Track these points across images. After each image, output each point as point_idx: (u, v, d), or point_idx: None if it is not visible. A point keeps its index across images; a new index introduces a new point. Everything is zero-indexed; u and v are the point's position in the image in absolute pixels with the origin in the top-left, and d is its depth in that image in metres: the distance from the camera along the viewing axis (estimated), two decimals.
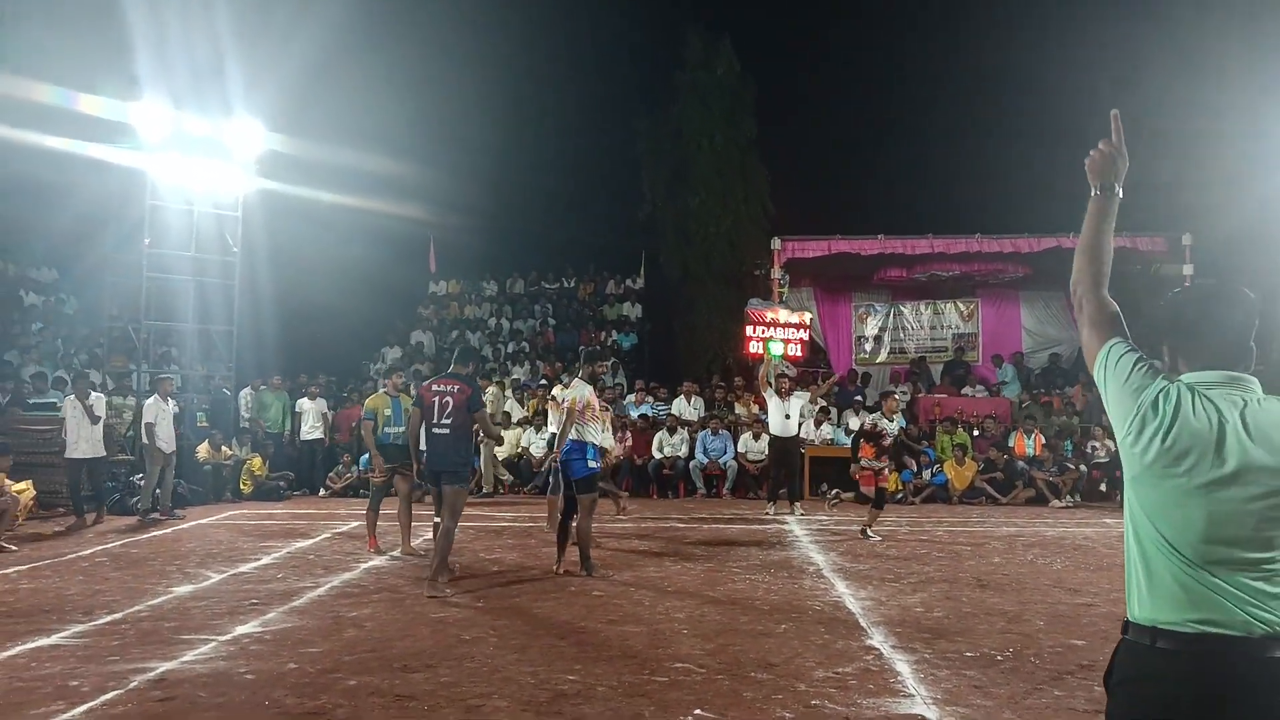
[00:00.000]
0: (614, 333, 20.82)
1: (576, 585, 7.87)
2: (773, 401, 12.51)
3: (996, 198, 20.86)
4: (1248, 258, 16.34)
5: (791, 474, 12.66)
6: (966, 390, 17.32)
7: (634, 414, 15.50)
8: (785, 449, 12.49)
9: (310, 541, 10.11)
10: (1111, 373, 2.30)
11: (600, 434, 8.88)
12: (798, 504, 12.53)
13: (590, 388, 8.47)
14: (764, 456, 14.27)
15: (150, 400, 11.94)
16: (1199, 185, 16.90)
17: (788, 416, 12.38)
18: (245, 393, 15.50)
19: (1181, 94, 17.15)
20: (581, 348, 8.88)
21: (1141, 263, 17.03)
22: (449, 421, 7.71)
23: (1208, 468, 2.11)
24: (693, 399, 16.00)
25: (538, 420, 14.67)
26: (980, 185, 22.00)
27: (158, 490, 11.84)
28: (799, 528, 11.28)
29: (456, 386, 7.78)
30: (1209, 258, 16.38)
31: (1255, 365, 2.24)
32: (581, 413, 8.22)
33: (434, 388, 7.90)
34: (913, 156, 22.72)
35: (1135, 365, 2.27)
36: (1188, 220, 16.47)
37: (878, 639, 6.18)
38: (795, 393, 12.73)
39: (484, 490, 14.15)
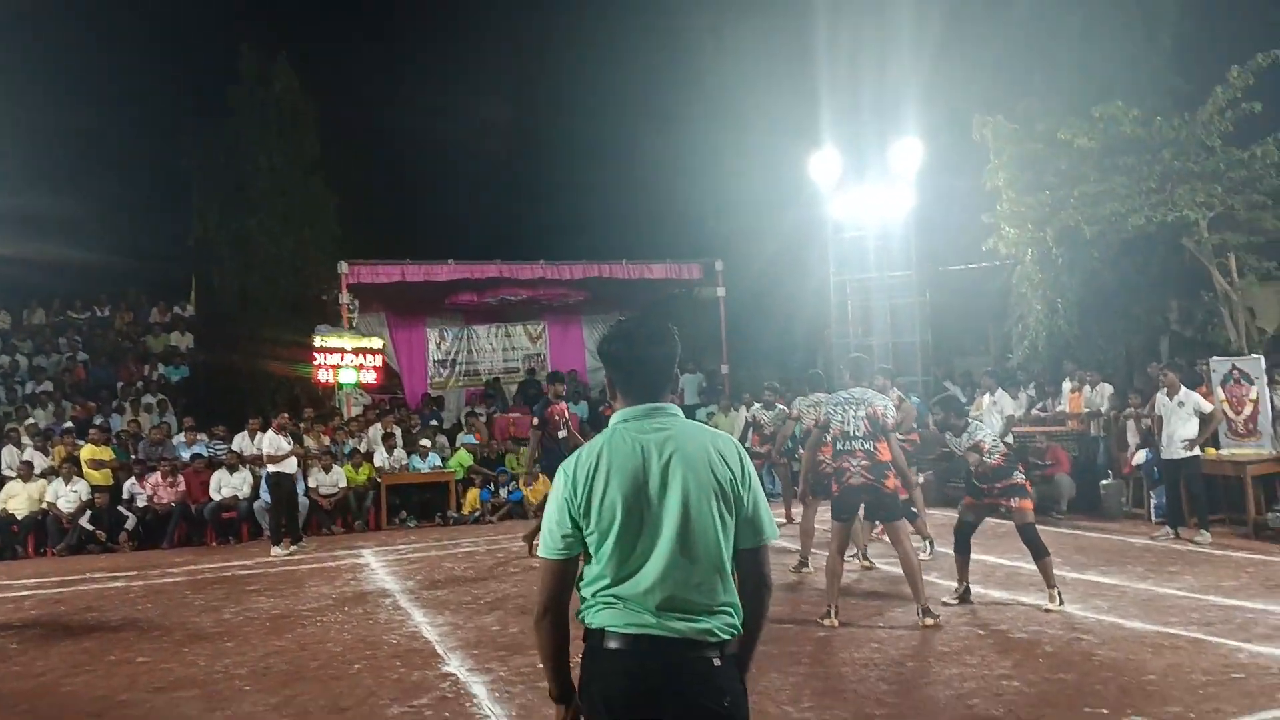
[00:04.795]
0: (160, 366, 18.76)
1: (117, 654, 6.90)
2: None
3: (558, 225, 22.05)
4: (774, 279, 18.89)
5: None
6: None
7: (185, 455, 14.06)
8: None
9: None
10: (559, 509, 2.39)
11: None
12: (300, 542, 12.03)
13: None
14: (337, 490, 13.69)
15: None
16: (730, 216, 19.22)
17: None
18: None
19: (714, 134, 19.42)
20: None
21: (683, 288, 18.92)
22: None
23: (634, 496, 2.33)
24: (258, 436, 14.82)
25: (65, 470, 12.78)
26: (543, 212, 23.13)
27: None
28: (375, 559, 10.92)
29: None
30: (740, 280, 18.60)
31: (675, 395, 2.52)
32: None
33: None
34: (479, 181, 23.26)
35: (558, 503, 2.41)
36: (720, 248, 18.54)
37: (455, 664, 6.13)
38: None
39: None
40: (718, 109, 19.48)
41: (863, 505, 6.93)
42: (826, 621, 6.70)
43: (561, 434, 10.08)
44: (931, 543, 9.21)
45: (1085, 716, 4.65)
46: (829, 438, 7.02)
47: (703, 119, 19.74)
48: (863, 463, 6.65)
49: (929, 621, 6.45)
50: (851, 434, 6.70)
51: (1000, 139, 13.33)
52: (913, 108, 15.87)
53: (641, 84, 21.27)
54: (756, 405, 12.42)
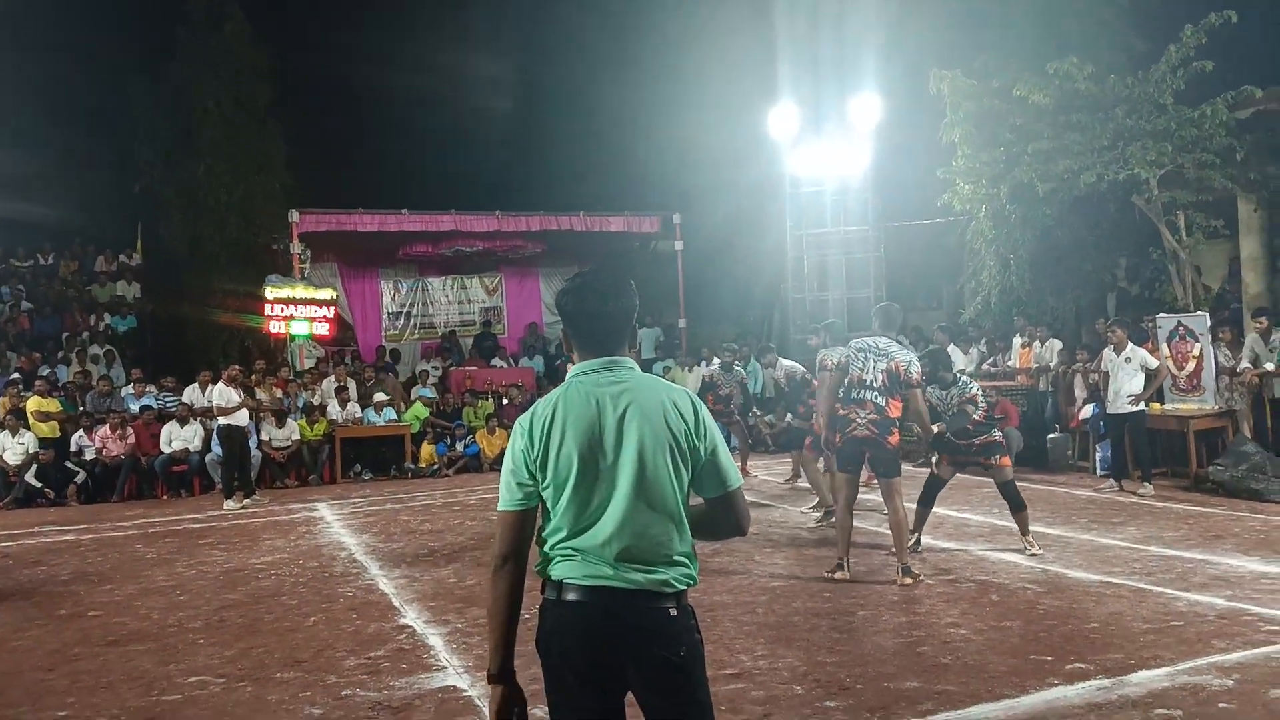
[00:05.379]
0: (107, 316, 18.34)
1: (68, 608, 6.83)
2: None
3: (514, 176, 21.78)
4: (732, 233, 18.89)
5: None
6: (496, 362, 17.90)
7: (134, 407, 13.81)
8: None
9: None
10: (516, 461, 2.39)
11: None
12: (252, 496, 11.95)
13: None
14: (290, 443, 13.56)
15: None
16: (688, 171, 19.12)
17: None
18: None
19: (673, 87, 19.25)
20: None
21: (641, 241, 18.82)
22: None
23: (590, 448, 2.33)
24: (209, 388, 14.58)
25: (10, 422, 12.50)
26: (499, 163, 22.81)
27: None
28: (330, 512, 10.87)
29: None
30: (699, 234, 18.56)
31: (632, 349, 2.49)
32: None
33: None
34: (433, 131, 22.82)
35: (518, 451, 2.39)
36: (678, 202, 18.45)
37: (411, 616, 6.15)
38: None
39: None
40: (677, 62, 19.30)
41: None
42: (838, 575, 6.62)
43: None
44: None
45: (1030, 663, 4.79)
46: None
47: (661, 72, 19.55)
48: (870, 415, 6.50)
49: (907, 580, 6.41)
50: (868, 383, 6.53)
51: (957, 94, 13.34)
52: (871, 63, 15.83)
53: (601, 35, 20.97)
54: (710, 365, 12.36)
